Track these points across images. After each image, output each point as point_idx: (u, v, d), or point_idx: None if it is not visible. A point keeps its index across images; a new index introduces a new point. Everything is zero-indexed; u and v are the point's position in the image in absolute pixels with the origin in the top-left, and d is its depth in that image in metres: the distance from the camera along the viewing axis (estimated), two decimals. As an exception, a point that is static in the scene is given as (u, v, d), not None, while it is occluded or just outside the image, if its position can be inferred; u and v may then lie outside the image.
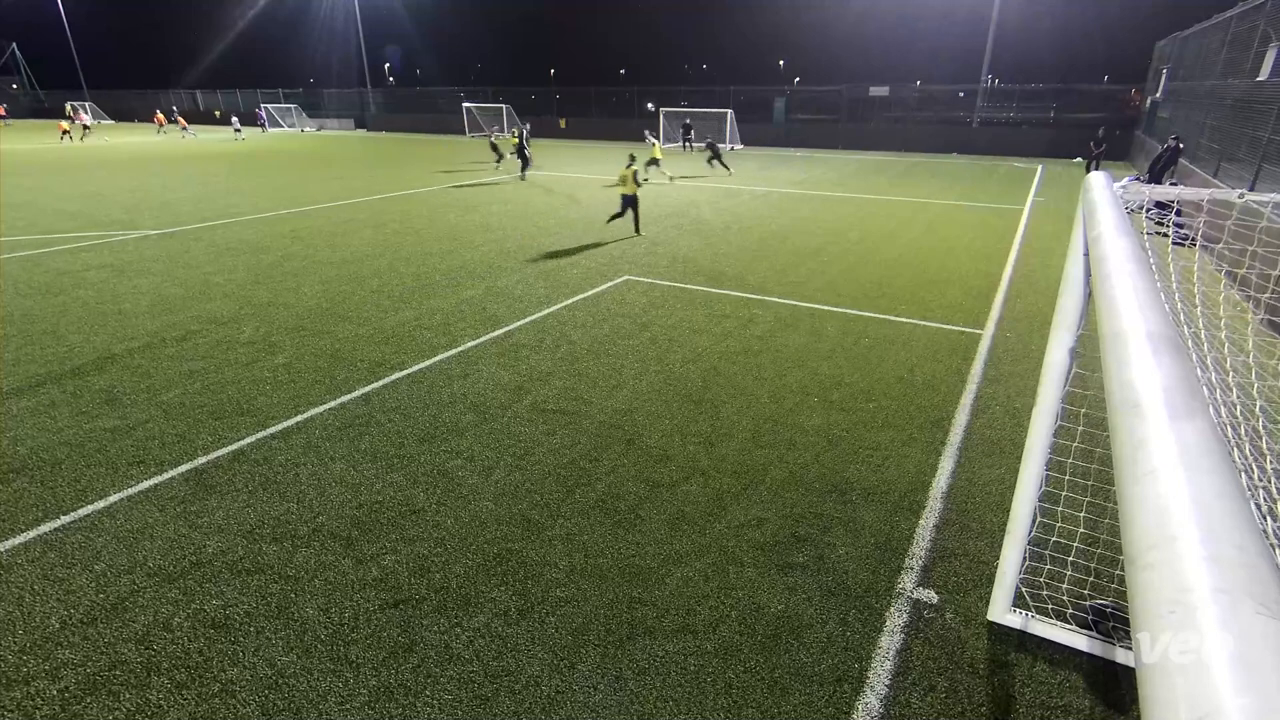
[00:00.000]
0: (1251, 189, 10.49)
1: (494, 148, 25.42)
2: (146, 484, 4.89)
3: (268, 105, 53.80)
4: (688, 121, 33.86)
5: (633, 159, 13.38)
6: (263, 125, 51.46)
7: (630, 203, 12.97)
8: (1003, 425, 5.81)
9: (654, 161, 22.14)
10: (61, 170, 24.27)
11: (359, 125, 54.45)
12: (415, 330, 8.02)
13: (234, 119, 46.28)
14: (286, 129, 52.51)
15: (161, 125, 45.47)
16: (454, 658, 3.44)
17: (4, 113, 60.90)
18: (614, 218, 13.21)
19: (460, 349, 7.44)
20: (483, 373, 6.82)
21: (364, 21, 56.36)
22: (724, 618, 3.71)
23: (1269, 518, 2.16)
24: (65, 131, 40.17)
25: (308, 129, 53.31)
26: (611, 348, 7.50)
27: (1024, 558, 3.54)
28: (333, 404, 6.14)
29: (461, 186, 20.31)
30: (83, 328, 8.06)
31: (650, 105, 37.61)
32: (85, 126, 42.36)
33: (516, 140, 23.15)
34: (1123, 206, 2.55)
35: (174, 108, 50.92)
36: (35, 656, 3.42)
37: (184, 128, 45.35)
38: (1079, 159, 19.95)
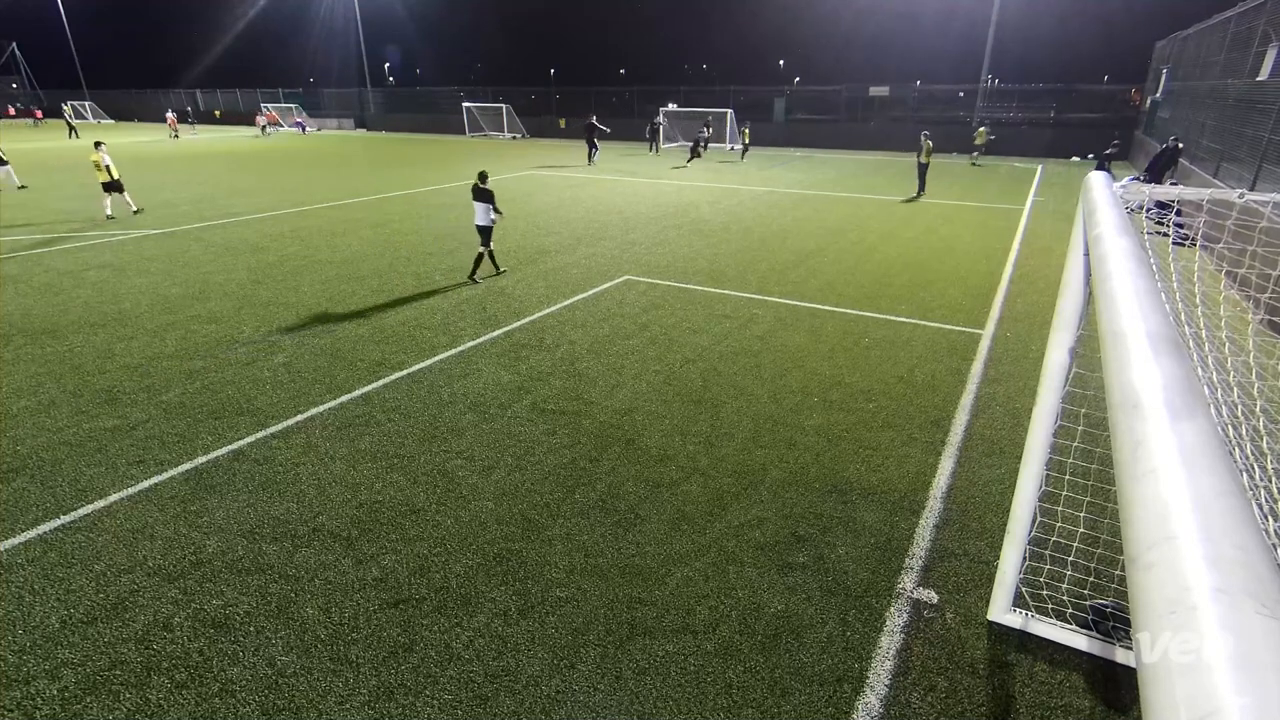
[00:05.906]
0: (1251, 189, 10.48)
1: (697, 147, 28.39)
2: (146, 484, 4.90)
3: (266, 104, 53.61)
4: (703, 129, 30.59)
5: (927, 135, 18.72)
6: (301, 127, 50.45)
7: (923, 169, 18.82)
8: (1003, 425, 5.81)
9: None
10: (62, 170, 24.26)
11: (359, 125, 54.34)
12: (415, 330, 8.01)
13: (301, 117, 49.63)
14: (288, 129, 52.21)
15: (266, 124, 46.84)
16: (454, 657, 3.44)
17: (11, 112, 61.07)
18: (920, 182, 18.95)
19: (460, 349, 7.44)
20: (483, 372, 6.82)
21: (364, 21, 56.33)
22: (724, 618, 3.71)
23: (1270, 518, 2.16)
24: (175, 130, 44.08)
25: (309, 129, 53.15)
26: (611, 348, 7.49)
27: (1024, 558, 3.54)
28: (333, 404, 6.14)
29: (459, 185, 20.29)
30: (82, 327, 8.06)
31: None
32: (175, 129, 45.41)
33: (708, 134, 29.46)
34: (1123, 206, 2.55)
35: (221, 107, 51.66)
36: (35, 656, 3.43)
37: (190, 126, 45.76)
38: (1090, 156, 20.06)
